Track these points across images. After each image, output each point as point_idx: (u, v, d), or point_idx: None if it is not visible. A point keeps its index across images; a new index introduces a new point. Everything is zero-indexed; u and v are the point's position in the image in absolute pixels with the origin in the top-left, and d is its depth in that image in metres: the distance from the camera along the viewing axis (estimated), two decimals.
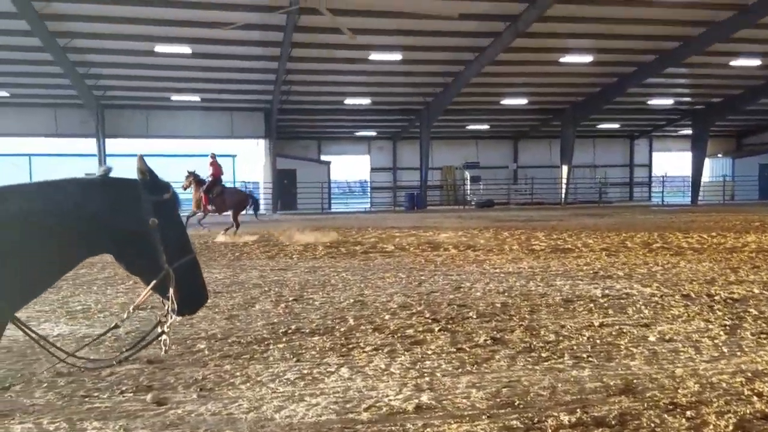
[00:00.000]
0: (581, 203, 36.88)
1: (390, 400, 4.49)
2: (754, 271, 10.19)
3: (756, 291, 8.49)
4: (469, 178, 38.81)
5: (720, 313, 7.15)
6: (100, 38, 23.34)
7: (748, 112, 36.51)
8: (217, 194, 17.80)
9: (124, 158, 31.61)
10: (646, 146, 44.40)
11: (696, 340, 6.04)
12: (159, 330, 2.68)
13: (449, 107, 31.67)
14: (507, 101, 33.42)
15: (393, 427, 4.02)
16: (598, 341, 6.03)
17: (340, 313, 7.42)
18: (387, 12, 20.56)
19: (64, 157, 36.83)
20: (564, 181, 35.72)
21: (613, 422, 4.05)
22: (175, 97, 30.79)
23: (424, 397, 4.52)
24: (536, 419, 4.11)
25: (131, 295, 8.54)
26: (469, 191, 38.55)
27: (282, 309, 7.69)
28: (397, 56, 25.95)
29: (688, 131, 39.07)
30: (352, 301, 8.15)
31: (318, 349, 5.85)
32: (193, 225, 17.79)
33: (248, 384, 4.88)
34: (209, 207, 17.66)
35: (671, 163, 45.25)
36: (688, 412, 4.19)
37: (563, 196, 36.04)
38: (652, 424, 4.01)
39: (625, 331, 6.40)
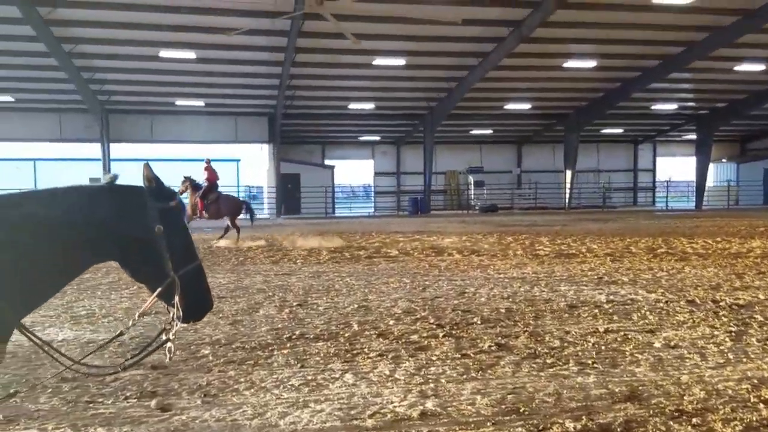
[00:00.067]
0: (585, 208, 36.85)
1: (395, 406, 4.47)
2: (759, 277, 10.15)
3: (761, 297, 8.45)
4: (472, 182, 38.80)
5: (725, 320, 7.11)
6: (105, 43, 23.46)
7: (753, 116, 36.47)
8: (212, 201, 17.79)
9: (128, 163, 31.80)
10: (650, 151, 44.37)
11: (701, 346, 6.02)
12: (164, 337, 2.68)
13: (453, 112, 31.71)
14: (510, 106, 33.44)
15: None
16: (603, 347, 6.00)
17: (345, 318, 7.41)
18: (391, 17, 20.62)
19: (68, 162, 36.97)
20: (568, 185, 35.69)
21: (618, 429, 4.03)
22: (179, 102, 30.90)
23: (429, 404, 4.50)
24: (541, 426, 4.09)
25: (135, 300, 8.55)
26: (472, 196, 38.54)
27: (286, 314, 7.68)
28: (401, 61, 26.00)
29: (693, 136, 39.02)
30: (356, 306, 8.14)
31: (322, 354, 5.84)
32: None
33: (252, 390, 4.87)
34: (204, 213, 17.64)
35: (675, 168, 45.22)
36: (694, 420, 4.17)
37: (567, 200, 36.01)
38: None
39: (630, 337, 6.37)
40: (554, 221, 25.37)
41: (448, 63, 26.78)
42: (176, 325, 2.63)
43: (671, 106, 35.42)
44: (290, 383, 5.01)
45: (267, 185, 35.00)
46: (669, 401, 4.52)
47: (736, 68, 27.85)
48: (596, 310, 7.67)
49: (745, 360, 5.56)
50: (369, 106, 32.74)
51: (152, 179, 2.53)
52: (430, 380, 5.04)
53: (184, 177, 18.03)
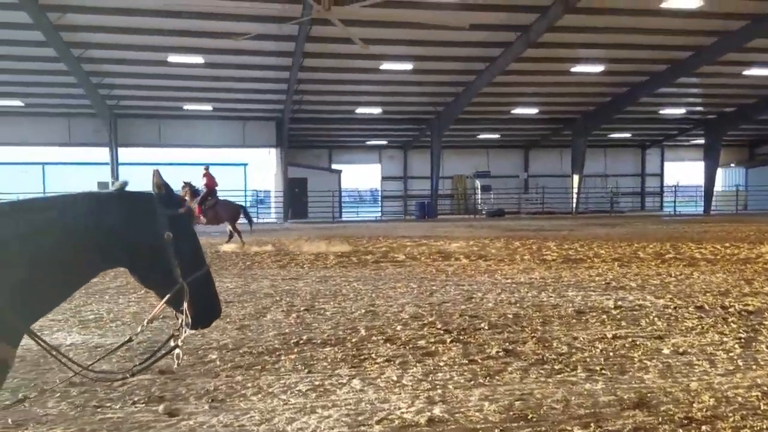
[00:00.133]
0: (592, 213, 36.72)
1: (402, 412, 4.47)
2: None
3: None
4: (479, 187, 38.76)
5: (735, 326, 7.07)
6: (114, 48, 23.59)
7: (761, 121, 36.27)
8: (210, 206, 17.89)
9: (136, 167, 31.94)
10: (658, 156, 44.20)
11: (710, 353, 5.98)
12: (172, 343, 2.68)
13: (460, 116, 31.69)
14: (518, 111, 33.40)
15: None
16: (611, 353, 5.98)
17: (352, 323, 7.41)
18: (398, 22, 20.63)
19: (77, 166, 37.17)
20: (575, 190, 35.59)
21: None
22: (187, 107, 31.02)
23: (437, 410, 4.50)
24: None
25: (143, 305, 8.57)
26: (479, 200, 38.49)
27: (293, 319, 7.69)
28: (408, 66, 26.02)
29: (701, 141, 38.84)
30: (363, 311, 8.14)
31: (329, 360, 5.84)
32: None
33: (260, 395, 4.88)
34: (202, 218, 17.72)
35: (683, 172, 45.01)
36: (704, 427, 4.14)
37: (574, 205, 35.90)
38: None
39: (638, 343, 6.35)
40: (561, 226, 25.30)
41: (456, 68, 26.78)
42: (185, 332, 2.63)
43: (679, 111, 35.29)
44: (297, 388, 5.01)
45: (274, 189, 35.05)
46: (678, 408, 4.50)
47: (745, 73, 27.70)
48: (604, 316, 7.64)
49: (754, 367, 5.52)
50: (376, 110, 32.77)
51: (162, 186, 2.54)
52: (438, 386, 5.03)
53: (184, 183, 18.12)
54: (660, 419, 4.29)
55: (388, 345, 6.34)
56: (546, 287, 9.86)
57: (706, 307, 8.17)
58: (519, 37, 22.69)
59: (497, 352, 6.02)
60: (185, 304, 2.57)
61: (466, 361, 5.72)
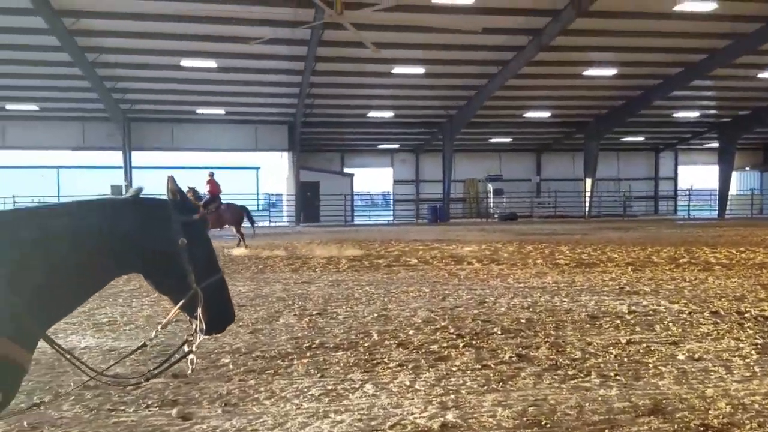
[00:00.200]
0: (605, 217, 36.51)
1: (415, 417, 4.45)
2: None
3: None
4: (491, 190, 38.66)
5: (751, 332, 6.99)
6: (128, 53, 23.80)
7: None
8: (212, 210, 18.06)
9: (149, 170, 32.19)
10: (672, 159, 43.90)
11: (726, 359, 5.92)
12: (186, 348, 2.69)
13: (472, 120, 31.65)
14: (530, 114, 33.32)
15: None
16: (625, 359, 5.93)
17: (364, 327, 7.41)
18: (410, 26, 20.66)
19: (90, 169, 37.53)
20: (588, 194, 35.41)
21: None
22: (200, 110, 31.21)
23: (450, 416, 4.48)
24: None
25: (156, 308, 8.61)
26: (491, 204, 38.39)
27: (306, 323, 7.69)
28: (420, 70, 26.04)
29: (715, 144, 38.55)
30: (375, 315, 8.13)
31: (342, 364, 5.83)
32: None
33: (272, 399, 4.88)
34: None
35: (697, 176, 44.68)
36: None
37: (587, 209, 35.71)
38: None
39: (653, 349, 6.29)
40: (574, 230, 25.17)
41: (468, 71, 26.76)
42: (199, 337, 2.64)
43: (693, 114, 35.05)
44: (310, 393, 5.01)
45: (286, 193, 35.15)
46: (694, 415, 4.45)
47: (760, 75, 27.49)
48: (618, 321, 7.59)
49: None
50: (388, 114, 32.80)
51: (176, 192, 2.55)
52: (451, 391, 5.01)
53: (189, 187, 18.28)
54: (675, 426, 4.25)
55: (401, 349, 6.33)
56: (559, 292, 9.80)
57: (722, 312, 8.09)
58: (531, 40, 22.64)
59: (510, 357, 5.99)
60: (199, 310, 2.58)
61: (479, 366, 5.69)
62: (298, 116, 30.82)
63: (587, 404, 4.68)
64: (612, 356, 6.03)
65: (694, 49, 24.58)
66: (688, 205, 39.64)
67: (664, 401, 4.74)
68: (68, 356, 2.55)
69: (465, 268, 13.01)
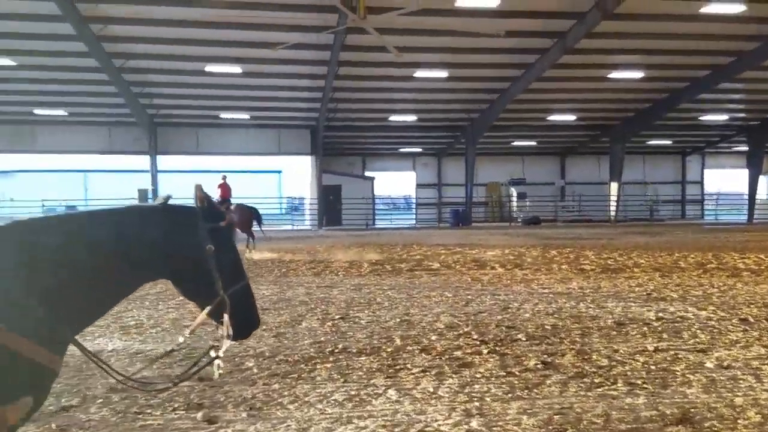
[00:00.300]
0: (631, 221, 36.08)
1: (439, 425, 4.43)
2: None
3: None
4: (515, 194, 38.43)
5: None
6: (154, 59, 24.14)
7: None
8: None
9: (175, 174, 32.57)
10: (699, 163, 43.28)
11: (756, 367, 5.80)
12: (213, 354, 2.72)
13: (495, 123, 31.53)
14: (554, 117, 33.09)
15: None
16: (652, 367, 5.85)
17: (387, 332, 7.40)
18: (433, 30, 20.66)
19: (117, 173, 38.07)
20: (613, 198, 35.02)
21: None
22: (224, 115, 31.52)
23: (474, 423, 4.45)
24: None
25: (182, 311, 8.69)
26: (515, 208, 38.16)
27: (329, 327, 7.71)
28: (443, 74, 26.01)
29: (743, 147, 37.93)
30: (398, 320, 8.12)
31: (365, 369, 5.83)
32: None
33: (296, 404, 4.89)
34: None
35: (725, 180, 43.97)
36: None
37: (613, 213, 35.31)
38: None
39: (680, 356, 6.20)
40: (599, 234, 24.91)
41: (490, 74, 26.67)
42: (225, 343, 2.66)
43: (721, 117, 34.53)
44: (333, 398, 5.02)
45: (309, 197, 35.33)
46: (723, 425, 4.37)
47: None
48: (645, 328, 7.48)
49: None
50: (410, 118, 32.81)
51: (204, 200, 2.58)
52: (475, 398, 4.98)
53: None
54: None
55: (424, 355, 6.31)
56: (584, 298, 9.70)
57: (751, 319, 7.94)
58: (555, 43, 22.50)
59: (535, 364, 5.93)
60: (226, 316, 2.60)
61: (504, 373, 5.65)
62: (321, 120, 30.97)
63: (614, 413, 4.62)
64: (639, 364, 5.94)
65: (722, 51, 24.23)
66: (716, 210, 39.00)
67: (692, 410, 4.66)
68: (100, 363, 2.59)
69: (488, 272, 12.94)
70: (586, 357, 6.19)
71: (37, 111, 29.99)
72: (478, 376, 5.59)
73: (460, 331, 7.38)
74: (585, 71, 25.86)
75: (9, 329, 2.04)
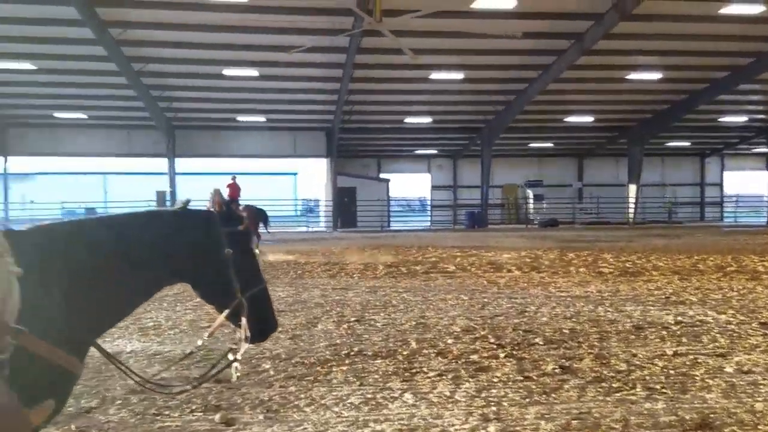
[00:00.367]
0: (649, 223, 35.74)
1: (456, 429, 4.42)
2: None
3: None
4: (531, 196, 38.21)
5: None
6: (173, 63, 24.36)
7: None
8: None
9: (192, 176, 32.85)
10: (718, 165, 42.79)
11: None
12: (231, 357, 2.74)
13: (511, 125, 31.40)
14: (571, 119, 32.89)
15: None
16: (671, 371, 5.79)
17: (402, 335, 7.39)
18: (449, 32, 20.63)
19: (136, 176, 38.44)
20: (632, 200, 34.73)
21: None
22: (241, 118, 31.71)
23: (492, 428, 4.43)
24: None
25: (199, 312, 8.75)
26: (531, 210, 37.94)
27: (344, 330, 7.72)
28: (458, 75, 25.97)
29: (763, 149, 37.45)
30: (413, 323, 8.11)
31: (381, 372, 5.83)
32: None
33: (313, 407, 4.90)
34: None
35: (745, 182, 43.45)
36: None
37: (631, 215, 35.00)
38: None
39: (700, 361, 6.13)
40: (618, 237, 24.70)
41: (507, 76, 26.58)
42: (243, 346, 2.68)
43: (740, 119, 34.13)
44: (350, 401, 5.02)
45: (324, 199, 35.43)
46: (743, 430, 4.33)
47: None
48: (664, 332, 7.41)
49: None
50: (426, 120, 32.78)
51: (222, 204, 2.61)
52: (492, 403, 4.96)
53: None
54: None
55: (440, 359, 6.29)
56: (603, 301, 9.62)
57: None
58: (573, 44, 22.38)
59: (553, 368, 5.89)
60: (243, 319, 2.62)
61: (521, 378, 5.62)
62: (336, 122, 31.04)
63: (632, 418, 4.59)
64: (658, 368, 5.89)
65: (741, 52, 23.97)
66: (735, 212, 38.53)
67: (711, 415, 4.61)
68: (118, 364, 2.61)
69: (504, 275, 12.87)
70: (604, 361, 6.14)
71: (57, 114, 30.35)
72: (495, 380, 5.57)
73: (477, 335, 7.35)
74: (603, 72, 25.69)
75: (31, 333, 2.06)
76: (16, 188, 36.63)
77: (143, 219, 2.58)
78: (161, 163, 32.77)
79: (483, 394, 5.16)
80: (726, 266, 13.89)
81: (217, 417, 4.64)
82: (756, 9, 19.63)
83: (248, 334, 2.64)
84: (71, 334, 2.23)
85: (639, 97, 29.74)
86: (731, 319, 8.16)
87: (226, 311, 2.61)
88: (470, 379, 5.58)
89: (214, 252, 2.54)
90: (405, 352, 6.55)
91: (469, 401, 5.01)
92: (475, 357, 6.34)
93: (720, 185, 42.99)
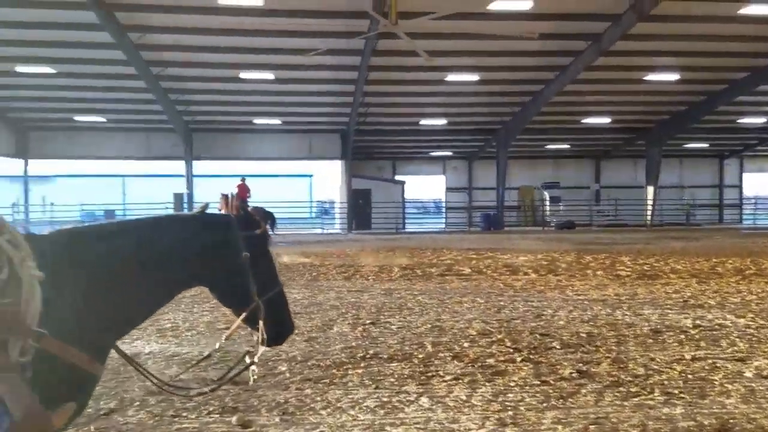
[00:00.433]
0: (668, 225, 35.39)
1: None
2: None
3: None
4: (548, 198, 37.96)
5: None
6: (191, 66, 24.57)
7: None
8: None
9: (209, 179, 33.05)
10: (737, 166, 42.24)
11: None
12: (248, 359, 2.76)
13: (527, 126, 31.24)
14: (588, 120, 32.66)
15: None
16: (690, 376, 5.74)
17: (418, 338, 7.39)
18: (464, 34, 20.59)
19: (154, 178, 38.76)
20: (650, 202, 34.40)
21: None
22: (257, 121, 31.88)
23: None
24: None
25: (216, 314, 8.80)
26: (548, 212, 37.71)
27: (359, 332, 7.73)
28: (474, 77, 25.90)
29: None
30: (429, 326, 8.10)
31: (396, 376, 5.83)
32: None
33: (329, 410, 4.92)
34: None
35: (764, 184, 42.88)
36: None
37: (649, 217, 34.67)
38: None
39: (718, 365, 6.07)
40: (635, 239, 24.49)
41: (523, 77, 26.47)
42: (260, 349, 2.70)
43: (760, 120, 33.69)
44: (365, 404, 5.03)
45: (339, 201, 35.50)
46: None
47: None
48: (682, 336, 7.35)
49: None
50: (441, 121, 32.73)
51: (240, 208, 2.64)
52: (509, 407, 4.94)
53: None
54: None
55: (456, 362, 6.28)
56: (620, 305, 9.55)
57: None
58: (590, 45, 22.23)
59: (570, 373, 5.86)
60: (260, 322, 2.64)
61: (538, 382, 5.59)
62: (351, 125, 31.09)
63: (650, 423, 4.55)
64: (676, 373, 5.84)
65: (760, 53, 23.68)
66: (755, 214, 38.04)
67: (730, 421, 4.56)
68: (137, 366, 2.65)
69: (520, 278, 12.82)
70: (622, 366, 6.10)
71: (77, 117, 30.72)
72: (511, 384, 5.55)
73: (493, 338, 7.33)
74: (620, 73, 25.50)
75: (52, 336, 2.09)
76: (36, 190, 37.06)
77: (163, 223, 2.61)
78: (179, 166, 33.04)
79: (499, 399, 5.15)
80: (745, 269, 13.73)
81: (234, 419, 4.67)
82: None
83: (265, 336, 2.66)
84: (92, 337, 2.27)
85: (657, 99, 29.48)
86: (750, 322, 8.07)
87: (244, 314, 2.63)
88: (487, 383, 5.56)
89: (233, 256, 2.56)
90: (421, 356, 6.54)
91: (486, 405, 5.00)
92: (491, 361, 6.32)
93: (739, 187, 42.45)
